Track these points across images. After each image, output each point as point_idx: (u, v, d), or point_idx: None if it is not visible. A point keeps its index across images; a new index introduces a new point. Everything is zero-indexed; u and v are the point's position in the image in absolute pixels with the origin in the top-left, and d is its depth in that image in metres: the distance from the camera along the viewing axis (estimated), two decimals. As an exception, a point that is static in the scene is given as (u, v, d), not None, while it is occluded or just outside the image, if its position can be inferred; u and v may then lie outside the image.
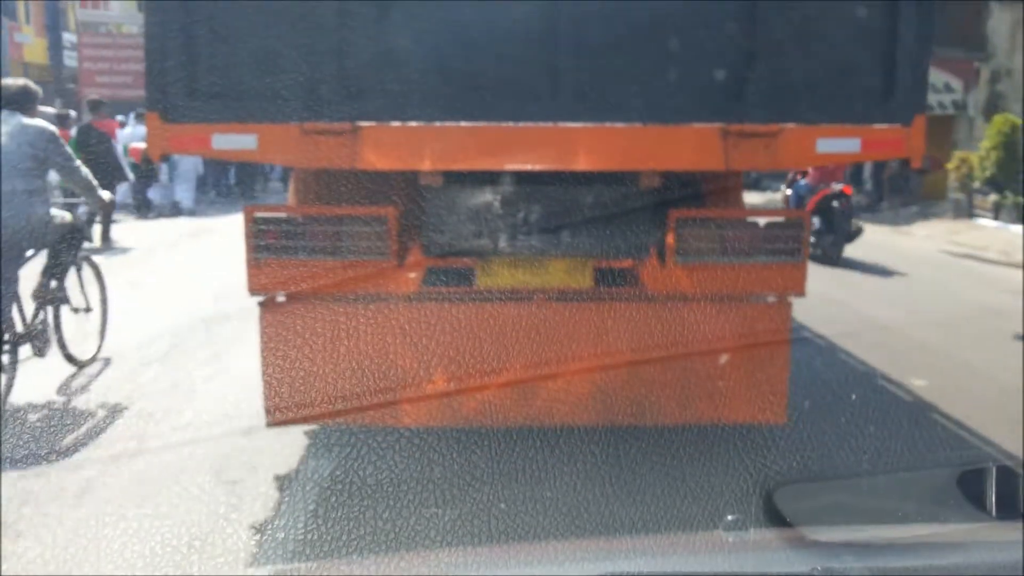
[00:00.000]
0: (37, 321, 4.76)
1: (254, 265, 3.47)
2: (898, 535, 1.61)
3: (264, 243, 3.46)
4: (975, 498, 1.66)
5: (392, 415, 3.57)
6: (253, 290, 3.50)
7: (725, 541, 1.46)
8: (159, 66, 3.26)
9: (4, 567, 2.80)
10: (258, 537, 3.05)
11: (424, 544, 2.77)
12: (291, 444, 3.83)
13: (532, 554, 1.70)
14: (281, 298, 3.55)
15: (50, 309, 4.89)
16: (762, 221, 3.66)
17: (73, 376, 4.90)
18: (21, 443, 4.02)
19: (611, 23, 3.29)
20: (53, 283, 4.91)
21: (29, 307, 4.76)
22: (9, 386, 4.35)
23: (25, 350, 4.63)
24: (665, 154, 3.40)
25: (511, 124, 3.29)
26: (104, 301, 5.40)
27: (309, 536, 2.97)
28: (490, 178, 3.66)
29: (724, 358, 3.64)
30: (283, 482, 3.51)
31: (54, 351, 4.87)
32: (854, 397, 4.79)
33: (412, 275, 3.57)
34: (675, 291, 3.59)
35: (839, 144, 3.42)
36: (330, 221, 3.48)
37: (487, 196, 3.70)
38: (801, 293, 3.61)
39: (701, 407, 3.59)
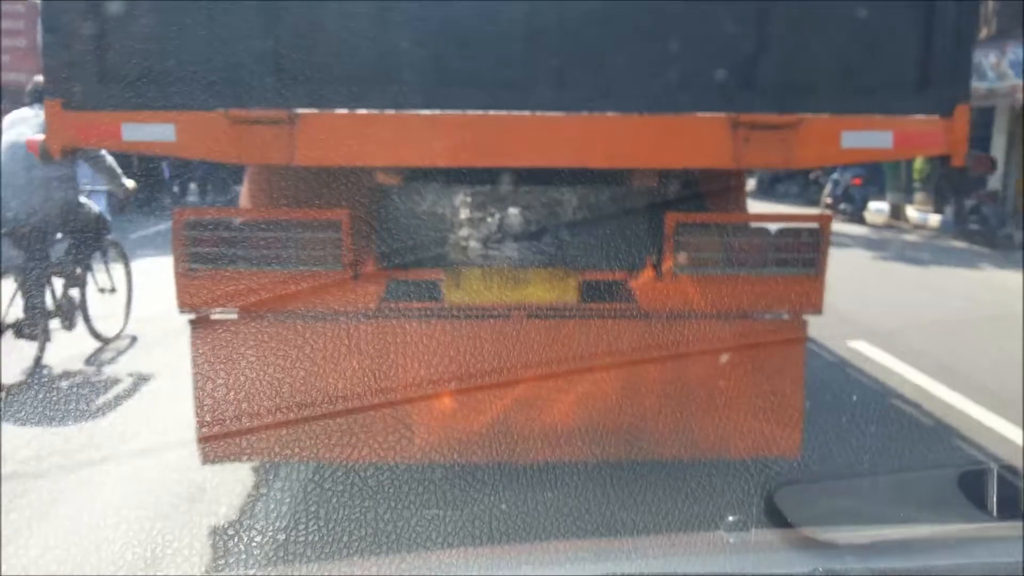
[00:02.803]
0: (64, 299, 5.26)
1: (185, 277, 3.02)
2: (899, 535, 1.61)
3: (197, 251, 3.01)
4: (975, 498, 1.66)
5: (349, 450, 3.10)
6: (184, 306, 3.05)
7: (726, 542, 1.46)
8: (59, 44, 2.79)
9: (4, 567, 2.80)
10: (259, 538, 3.05)
11: (425, 545, 2.76)
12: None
13: (533, 554, 1.69)
14: (217, 315, 3.10)
15: (76, 289, 5.40)
16: (773, 227, 3.24)
17: (100, 350, 5.46)
18: (51, 406, 4.55)
19: None
20: (79, 264, 5.41)
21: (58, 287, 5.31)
22: (40, 355, 4.90)
23: (55, 324, 5.19)
24: (665, 149, 2.94)
25: (480, 113, 2.81)
26: (129, 282, 5.89)
27: (310, 536, 2.97)
28: (458, 176, 3.21)
29: (730, 384, 3.21)
30: (284, 483, 3.51)
31: (81, 327, 5.41)
32: (854, 398, 4.80)
33: (370, 289, 3.09)
34: (673, 307, 3.15)
35: (868, 138, 2.94)
36: (274, 226, 3.03)
37: (455, 198, 3.24)
38: (818, 310, 3.19)
39: (703, 440, 3.19)
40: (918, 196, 15.87)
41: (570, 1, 2.81)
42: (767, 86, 2.87)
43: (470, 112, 2.82)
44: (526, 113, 2.83)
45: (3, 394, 4.59)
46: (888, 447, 3.77)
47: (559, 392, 3.17)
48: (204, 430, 3.05)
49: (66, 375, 5.09)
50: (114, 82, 2.78)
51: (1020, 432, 4.23)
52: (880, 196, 15.67)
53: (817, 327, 3.41)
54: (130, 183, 5.46)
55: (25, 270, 5.01)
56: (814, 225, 3.22)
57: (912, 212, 15.41)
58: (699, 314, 3.17)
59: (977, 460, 3.87)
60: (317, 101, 2.79)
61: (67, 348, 5.28)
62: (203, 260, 3.01)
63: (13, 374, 4.78)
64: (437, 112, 2.81)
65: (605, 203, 3.33)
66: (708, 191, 3.41)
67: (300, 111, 2.77)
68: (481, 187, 3.23)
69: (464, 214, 3.25)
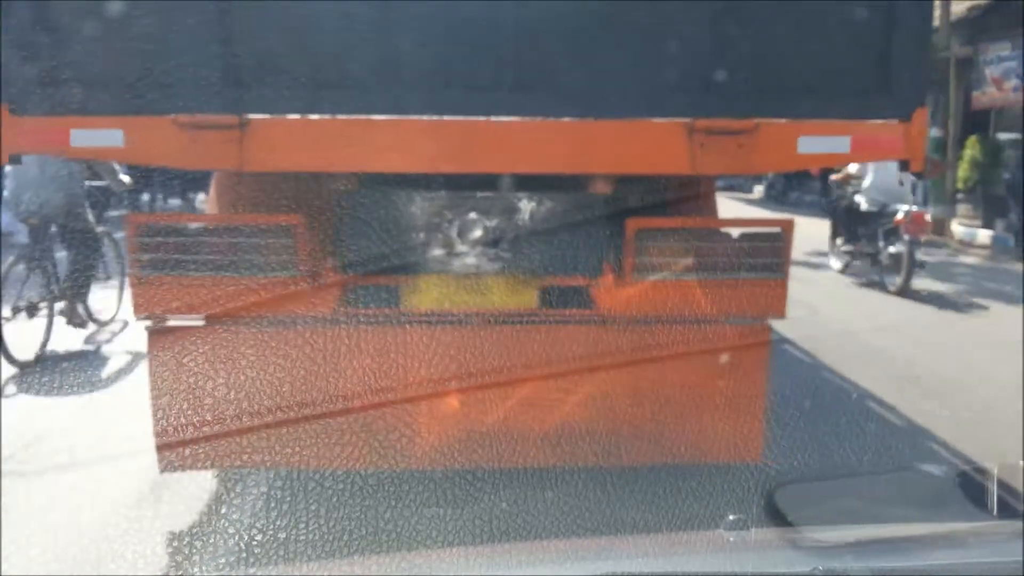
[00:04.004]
0: (67, 285, 5.72)
1: (139, 284, 2.99)
2: (898, 535, 1.61)
3: (151, 258, 2.96)
4: (975, 498, 1.66)
5: (308, 456, 3.08)
6: (139, 313, 3.02)
7: (726, 541, 1.46)
8: (6, 48, 2.71)
9: (4, 567, 2.80)
10: (259, 537, 3.05)
11: (425, 544, 2.76)
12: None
13: (533, 554, 1.70)
14: (173, 322, 3.06)
15: (77, 276, 5.80)
16: (736, 232, 3.20)
17: (96, 332, 6.02)
18: (55, 382, 5.06)
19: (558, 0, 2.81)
20: (79, 254, 5.83)
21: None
22: (47, 336, 5.46)
23: (58, 307, 5.68)
24: (621, 155, 2.92)
25: (435, 118, 2.79)
26: (123, 271, 6.16)
27: (310, 536, 2.97)
28: (415, 182, 3.16)
29: (691, 389, 3.18)
30: (284, 481, 3.51)
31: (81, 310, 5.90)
32: (854, 396, 4.80)
33: (326, 295, 3.06)
34: (634, 313, 3.12)
35: (825, 143, 2.95)
36: (227, 232, 2.98)
37: (412, 203, 3.19)
38: (781, 315, 3.17)
39: (665, 445, 3.13)
40: (962, 208, 13.34)
41: (526, 4, 2.78)
42: (724, 92, 2.85)
43: (425, 117, 2.79)
44: (481, 118, 2.82)
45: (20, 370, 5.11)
46: (888, 447, 3.75)
47: (519, 399, 3.13)
48: (161, 439, 2.99)
49: (69, 355, 5.61)
50: (62, 87, 2.72)
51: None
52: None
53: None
54: (126, 178, 5.91)
55: (34, 258, 5.51)
56: (776, 230, 3.21)
57: (957, 227, 12.95)
58: (660, 319, 3.13)
59: (977, 460, 3.87)
60: (269, 106, 2.75)
61: (67, 330, 5.78)
62: (158, 267, 2.97)
63: (24, 354, 5.22)
64: (391, 117, 2.79)
65: (567, 209, 3.29)
66: (674, 196, 3.36)
67: (251, 116, 2.73)
68: (440, 192, 3.20)
69: (423, 220, 3.21)
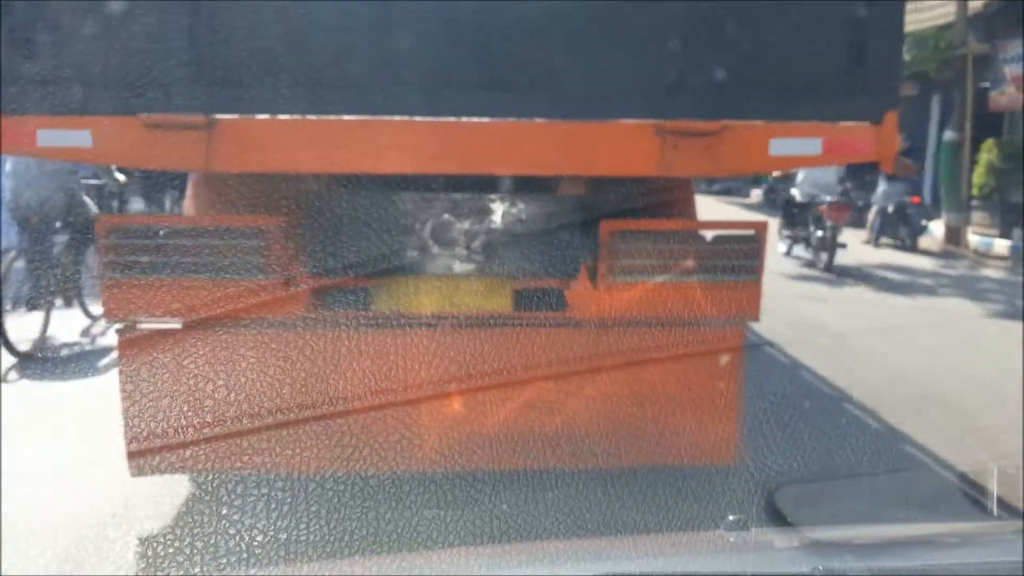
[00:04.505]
0: (65, 279, 5.98)
1: (110, 286, 2.94)
2: (898, 535, 1.61)
3: (122, 260, 2.94)
4: (975, 498, 1.66)
5: (279, 460, 3.03)
6: (109, 316, 3.01)
7: (726, 541, 1.46)
8: None
9: (4, 567, 2.80)
10: (259, 538, 3.05)
11: (425, 544, 2.76)
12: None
13: (533, 554, 1.70)
14: (144, 324, 3.04)
15: (74, 270, 6.06)
16: (710, 234, 3.19)
17: (91, 325, 6.15)
18: (55, 371, 5.34)
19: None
20: (76, 249, 6.03)
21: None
22: (45, 328, 5.70)
23: (58, 302, 6.02)
24: (590, 156, 2.89)
25: (403, 118, 2.76)
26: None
27: (310, 536, 2.97)
28: (385, 183, 3.13)
29: (665, 392, 3.14)
30: (285, 481, 3.51)
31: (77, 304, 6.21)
32: (853, 396, 4.80)
33: (298, 298, 3.03)
34: (608, 316, 3.09)
35: (796, 145, 2.92)
36: (199, 234, 2.96)
37: (383, 205, 3.17)
38: (755, 317, 3.17)
39: (639, 448, 3.11)
40: (977, 216, 12.57)
41: (493, 4, 2.75)
42: (695, 93, 2.82)
43: (393, 118, 2.76)
44: (451, 119, 2.79)
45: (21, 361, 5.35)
46: (888, 447, 3.76)
47: (493, 402, 3.09)
48: (132, 444, 2.96)
49: (66, 345, 5.84)
50: (28, 87, 2.70)
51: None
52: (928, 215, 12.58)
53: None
54: (122, 177, 6.24)
55: (34, 253, 5.75)
56: (751, 232, 3.20)
57: (973, 236, 12.31)
58: (635, 322, 3.11)
59: (977, 460, 3.87)
60: (236, 106, 2.72)
61: (64, 324, 6.00)
62: (128, 269, 2.95)
63: (23, 346, 5.48)
64: (359, 118, 2.75)
65: (540, 210, 3.26)
66: (651, 198, 3.32)
67: (219, 116, 2.70)
68: (410, 193, 3.15)
69: (392, 221, 3.18)
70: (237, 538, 3.02)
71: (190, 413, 2.94)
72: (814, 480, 2.92)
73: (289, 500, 3.34)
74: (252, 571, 2.83)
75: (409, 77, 2.80)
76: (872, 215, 12.14)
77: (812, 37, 2.88)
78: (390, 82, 2.78)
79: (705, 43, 2.82)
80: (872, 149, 2.94)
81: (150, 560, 2.89)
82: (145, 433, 2.95)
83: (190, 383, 2.94)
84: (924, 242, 12.27)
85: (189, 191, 3.44)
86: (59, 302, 6.04)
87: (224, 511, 3.24)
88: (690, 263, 3.08)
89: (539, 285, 3.20)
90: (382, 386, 2.99)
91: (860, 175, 12.26)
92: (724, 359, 3.19)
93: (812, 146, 2.92)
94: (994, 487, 1.66)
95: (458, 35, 2.78)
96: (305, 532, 2.97)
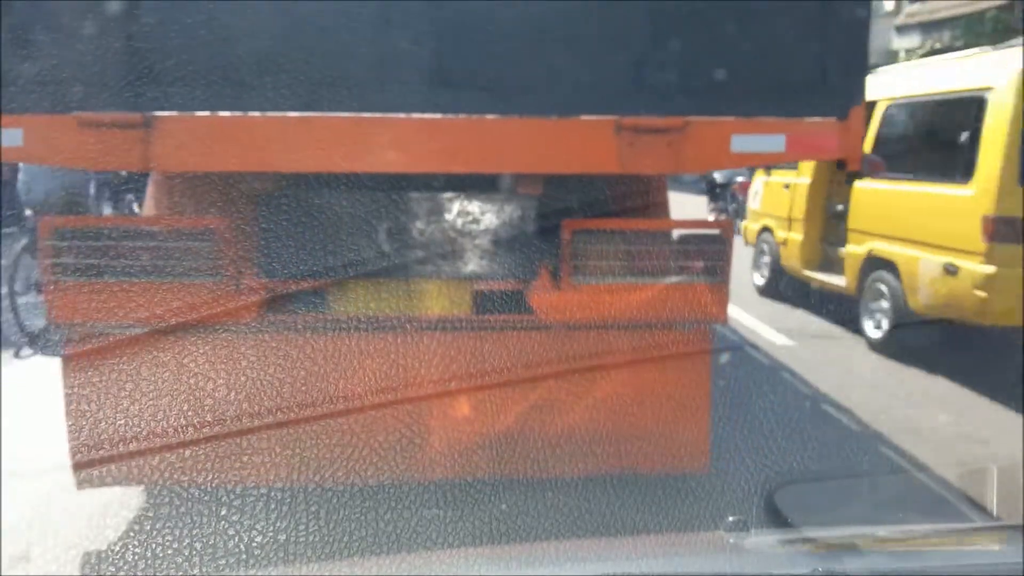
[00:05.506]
0: None
1: (54, 289, 2.84)
2: (898, 535, 1.61)
3: (66, 262, 2.83)
4: (975, 498, 1.66)
5: (233, 472, 2.92)
6: (54, 320, 2.88)
7: (726, 542, 1.46)
8: None
9: (4, 567, 2.80)
10: (259, 538, 3.04)
11: (425, 544, 2.76)
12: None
13: (533, 554, 1.69)
14: (90, 329, 2.91)
15: None
16: (676, 234, 3.11)
17: None
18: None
19: None
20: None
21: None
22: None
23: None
24: (547, 153, 2.80)
25: (352, 115, 2.67)
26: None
27: (310, 536, 2.97)
28: (339, 182, 3.02)
29: (632, 397, 3.05)
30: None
31: None
32: (853, 396, 4.80)
33: (250, 300, 2.91)
34: (571, 318, 3.00)
35: (759, 142, 2.83)
36: (146, 235, 2.86)
37: (337, 205, 3.06)
38: (722, 320, 3.10)
39: (609, 456, 3.02)
40: None
41: (443, 4, 2.68)
42: (655, 90, 2.75)
43: (341, 114, 2.66)
44: (401, 115, 2.69)
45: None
46: (888, 447, 3.75)
47: (453, 407, 3.01)
48: (78, 455, 2.84)
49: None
50: None
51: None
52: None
53: None
54: (123, 172, 6.59)
55: (35, 244, 5.96)
56: (716, 231, 3.14)
57: None
58: (599, 325, 3.02)
59: (977, 460, 3.87)
60: (175, 103, 2.62)
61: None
62: (72, 271, 2.84)
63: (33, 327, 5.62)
64: (305, 114, 2.66)
65: (501, 210, 3.17)
66: (620, 198, 3.23)
67: (156, 114, 2.61)
68: (365, 193, 3.06)
69: (348, 222, 3.08)
70: (236, 539, 3.02)
71: (139, 421, 2.83)
72: (814, 481, 2.91)
73: (288, 501, 3.34)
74: (251, 572, 2.83)
75: (355, 72, 2.71)
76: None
77: (776, 32, 2.82)
78: (338, 79, 2.69)
79: (667, 40, 2.76)
80: (837, 145, 2.86)
81: (149, 560, 2.88)
82: (90, 443, 2.84)
83: (138, 389, 2.83)
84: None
85: (147, 191, 3.32)
86: None
87: (223, 512, 3.24)
88: (654, 264, 3.00)
89: (500, 287, 3.11)
90: (335, 393, 2.89)
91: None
92: (691, 363, 3.11)
93: (775, 143, 2.84)
94: (994, 487, 1.66)
95: (407, 31, 2.69)
96: (304, 533, 2.97)
